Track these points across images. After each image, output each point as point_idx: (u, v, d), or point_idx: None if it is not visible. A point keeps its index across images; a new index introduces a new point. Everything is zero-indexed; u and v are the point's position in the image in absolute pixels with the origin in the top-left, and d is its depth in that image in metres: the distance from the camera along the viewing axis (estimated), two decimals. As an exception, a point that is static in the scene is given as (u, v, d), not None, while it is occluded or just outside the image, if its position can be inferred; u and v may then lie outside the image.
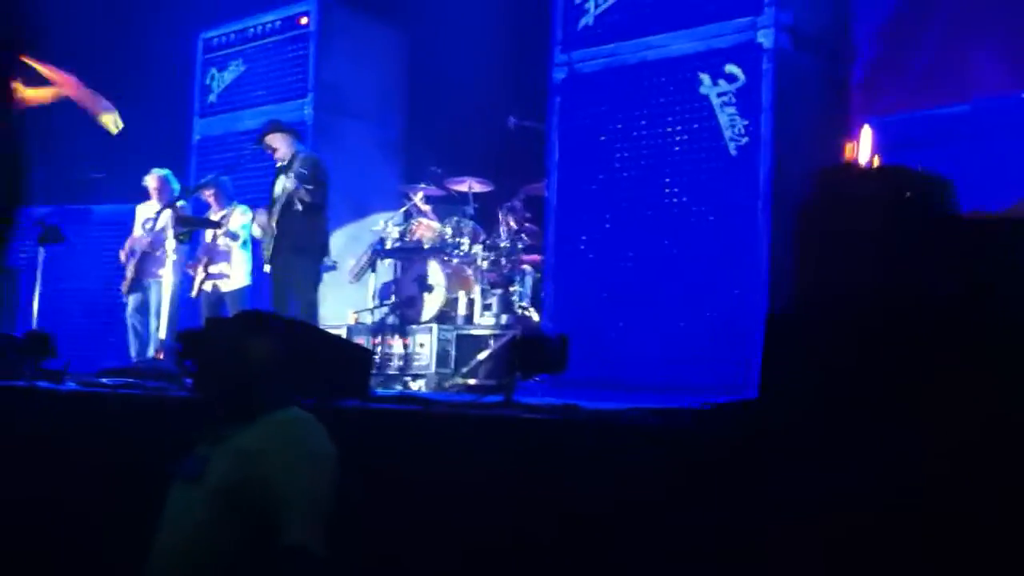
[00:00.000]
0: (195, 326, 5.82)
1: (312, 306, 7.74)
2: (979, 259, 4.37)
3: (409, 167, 10.07)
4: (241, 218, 8.82)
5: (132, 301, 9.25)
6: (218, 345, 3.71)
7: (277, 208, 7.81)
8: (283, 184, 7.84)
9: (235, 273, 8.78)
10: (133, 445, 4.74)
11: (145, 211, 9.41)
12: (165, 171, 9.29)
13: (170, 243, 8.18)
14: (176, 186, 9.25)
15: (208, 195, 8.94)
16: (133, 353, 9.10)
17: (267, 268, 7.93)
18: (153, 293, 8.99)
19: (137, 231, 9.44)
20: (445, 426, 4.23)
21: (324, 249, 7.98)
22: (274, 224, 7.78)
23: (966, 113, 6.58)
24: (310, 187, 7.59)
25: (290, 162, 7.91)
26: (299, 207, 7.65)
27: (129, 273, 9.20)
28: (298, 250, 7.74)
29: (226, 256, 8.79)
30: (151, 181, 9.23)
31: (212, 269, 8.75)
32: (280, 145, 7.97)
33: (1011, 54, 7.45)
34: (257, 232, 8.16)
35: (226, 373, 3.58)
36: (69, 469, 5.01)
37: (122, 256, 9.30)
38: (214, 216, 8.87)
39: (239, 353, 3.53)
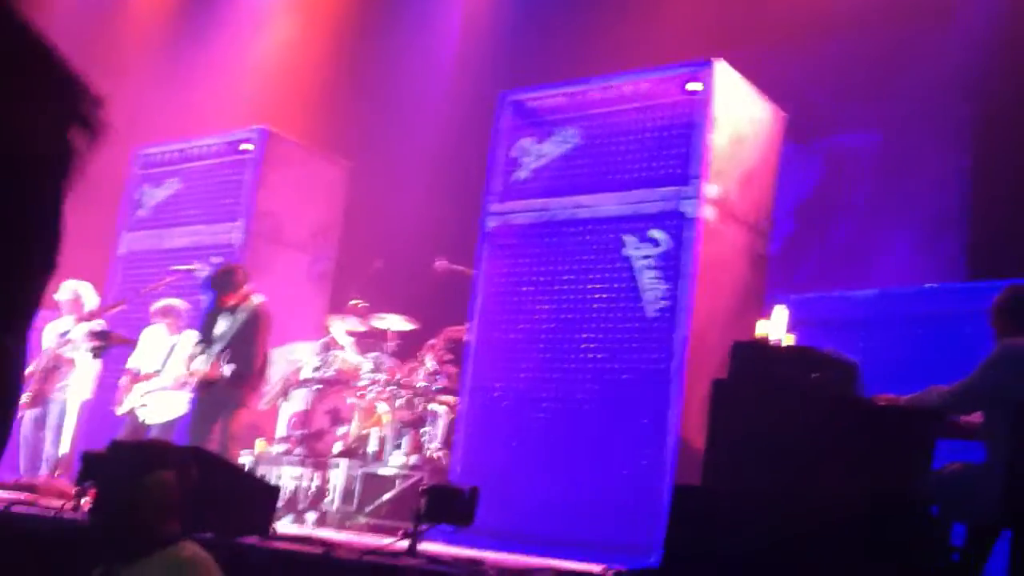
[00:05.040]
0: (99, 448, 5.68)
1: (232, 440, 7.57)
2: (879, 443, 4.51)
3: (335, 298, 10.10)
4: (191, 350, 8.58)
5: (30, 415, 8.89)
6: (117, 473, 3.64)
7: (215, 349, 7.64)
8: (223, 327, 7.71)
9: (169, 404, 8.45)
10: (24, 568, 4.56)
11: (55, 329, 9.06)
12: (79, 285, 9.02)
13: (83, 356, 7.98)
14: (91, 300, 8.99)
15: (165, 321, 8.68)
16: (22, 466, 8.74)
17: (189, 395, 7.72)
18: (54, 408, 8.66)
19: (46, 345, 9.07)
20: (347, 572, 4.17)
21: (257, 383, 7.85)
22: (212, 365, 7.58)
23: (874, 297, 6.86)
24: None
25: (234, 307, 7.80)
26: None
27: (33, 388, 8.83)
28: (231, 386, 7.56)
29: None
30: (65, 294, 8.91)
31: (148, 397, 8.45)
32: (228, 294, 7.85)
33: (919, 246, 7.84)
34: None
35: (121, 505, 3.51)
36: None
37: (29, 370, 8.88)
38: (167, 344, 8.65)
39: (136, 486, 3.47)
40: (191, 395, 7.90)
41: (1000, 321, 4.67)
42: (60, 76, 1.27)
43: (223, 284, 7.82)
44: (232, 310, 7.70)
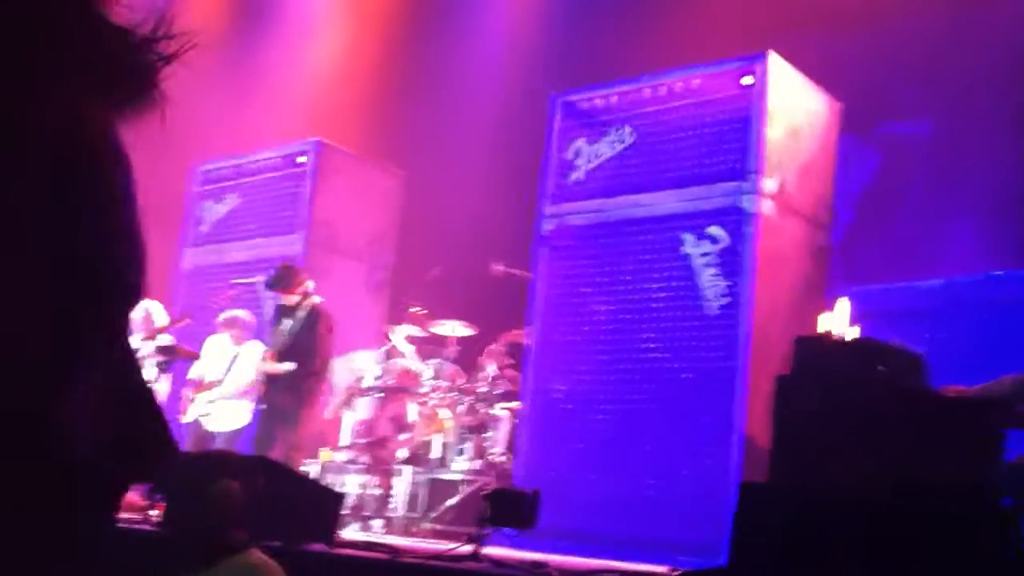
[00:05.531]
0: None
1: (295, 449, 7.71)
2: (949, 435, 4.42)
3: (394, 306, 10.15)
4: (255, 359, 8.74)
5: None
6: (183, 484, 3.69)
7: (275, 350, 7.87)
8: (286, 326, 7.94)
9: (233, 413, 8.63)
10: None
11: None
12: (149, 303, 9.16)
13: (151, 372, 8.12)
14: (160, 317, 9.13)
15: (230, 331, 8.85)
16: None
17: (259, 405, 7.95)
18: None
19: None
20: (412, 577, 4.19)
21: (314, 385, 7.98)
22: (270, 365, 7.84)
23: (940, 287, 6.72)
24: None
25: (295, 307, 8.01)
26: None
27: None
28: (290, 391, 7.75)
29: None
30: (137, 312, 9.01)
31: (211, 406, 8.63)
32: (287, 295, 8.07)
33: (982, 233, 7.67)
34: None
35: (188, 514, 3.55)
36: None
37: None
38: (230, 354, 8.80)
39: (201, 496, 3.50)
40: (254, 405, 8.08)
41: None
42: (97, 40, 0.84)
43: (279, 280, 8.08)
44: (293, 311, 7.92)
